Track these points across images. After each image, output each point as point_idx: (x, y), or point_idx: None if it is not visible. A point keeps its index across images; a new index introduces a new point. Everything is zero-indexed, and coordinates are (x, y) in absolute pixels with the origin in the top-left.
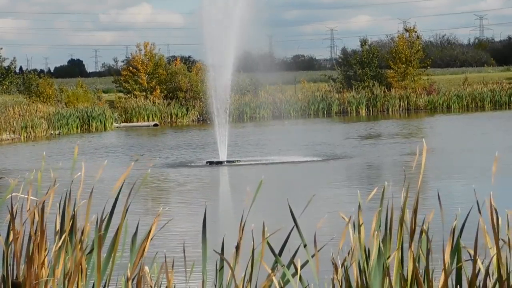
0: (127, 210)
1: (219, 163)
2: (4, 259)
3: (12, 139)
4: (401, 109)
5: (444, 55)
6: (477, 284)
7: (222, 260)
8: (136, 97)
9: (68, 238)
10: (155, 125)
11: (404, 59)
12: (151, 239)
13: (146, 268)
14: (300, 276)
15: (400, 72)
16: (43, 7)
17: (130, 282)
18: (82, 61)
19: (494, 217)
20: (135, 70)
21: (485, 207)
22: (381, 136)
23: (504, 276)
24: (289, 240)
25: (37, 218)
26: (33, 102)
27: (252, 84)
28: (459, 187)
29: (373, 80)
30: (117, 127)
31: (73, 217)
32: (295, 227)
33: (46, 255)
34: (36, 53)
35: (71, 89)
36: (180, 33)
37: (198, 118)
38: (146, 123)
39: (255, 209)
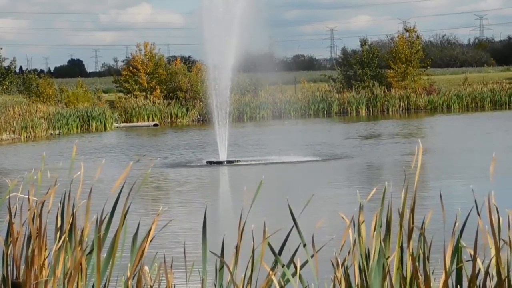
0: (127, 210)
1: (219, 163)
2: (4, 259)
3: (12, 139)
4: (401, 109)
5: (444, 55)
6: (477, 284)
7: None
8: (136, 97)
9: (68, 238)
10: (155, 125)
11: (404, 59)
12: (151, 239)
13: (146, 268)
14: (300, 276)
15: (400, 72)
16: (43, 7)
17: (130, 282)
18: (82, 61)
19: (495, 217)
20: (135, 70)
21: (485, 207)
22: (381, 136)
23: (504, 276)
24: (290, 240)
25: (36, 218)
26: (33, 102)
27: (252, 84)
28: (459, 187)
29: (373, 80)
30: (117, 127)
31: (73, 217)
32: (294, 227)
33: (47, 255)
34: (36, 53)
35: (71, 89)
36: (180, 33)
37: (198, 118)
38: (146, 123)
39: (255, 209)
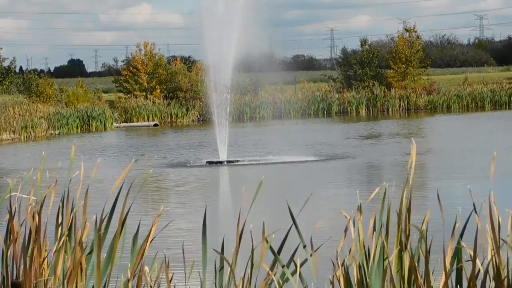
0: (128, 210)
1: (219, 163)
2: (4, 259)
3: (12, 139)
4: (401, 109)
5: (444, 55)
6: (477, 284)
7: (221, 260)
8: (136, 97)
9: (67, 238)
10: (155, 125)
11: (404, 59)
12: (152, 240)
13: (146, 268)
14: (301, 275)
15: (400, 72)
16: (43, 7)
17: (130, 282)
18: (82, 61)
19: (494, 217)
20: (135, 70)
21: (483, 208)
22: (381, 136)
23: (504, 276)
24: (290, 240)
25: (36, 218)
26: (33, 102)
27: (252, 84)
28: (459, 187)
29: (373, 80)
30: (117, 127)
31: (72, 217)
32: (293, 227)
33: (47, 255)
34: (36, 53)
35: (71, 89)
36: (180, 33)
37: (198, 118)
38: (146, 123)
39: (255, 209)
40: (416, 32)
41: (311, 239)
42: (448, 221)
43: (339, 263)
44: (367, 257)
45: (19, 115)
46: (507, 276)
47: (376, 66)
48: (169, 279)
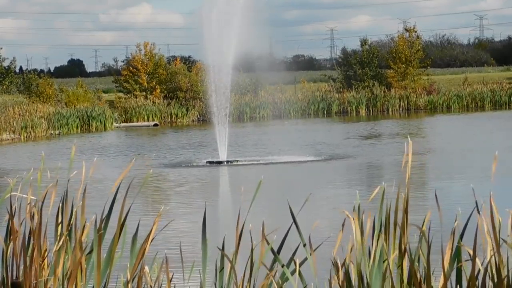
0: (128, 210)
1: (219, 163)
2: (4, 259)
3: (12, 139)
4: (401, 109)
5: (444, 55)
6: (477, 284)
7: (222, 260)
8: (136, 97)
9: (68, 238)
10: (155, 125)
11: (404, 59)
12: (152, 240)
13: (146, 268)
14: (301, 275)
15: (400, 72)
16: (43, 7)
17: (129, 283)
18: (82, 61)
19: (494, 217)
20: (135, 70)
21: (485, 207)
22: (381, 136)
23: (504, 275)
24: (289, 240)
25: (36, 217)
26: (33, 102)
27: (252, 84)
28: (459, 187)
29: (373, 80)
30: (117, 127)
31: (72, 217)
32: (293, 226)
33: (46, 255)
34: (36, 53)
35: (71, 89)
36: (180, 33)
37: (198, 118)
38: (146, 123)
39: (255, 209)
40: (416, 32)
41: (309, 238)
42: (449, 221)
43: (339, 263)
44: (366, 257)
45: (19, 115)
46: (507, 275)
47: (376, 66)
48: (169, 279)
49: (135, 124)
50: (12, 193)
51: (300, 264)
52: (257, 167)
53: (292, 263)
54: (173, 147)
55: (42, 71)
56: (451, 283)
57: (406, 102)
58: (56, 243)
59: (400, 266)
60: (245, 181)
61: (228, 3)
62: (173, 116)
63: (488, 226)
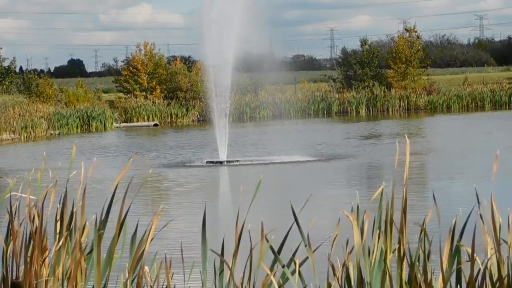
0: (127, 210)
1: (219, 163)
2: (4, 259)
3: (12, 139)
4: (401, 109)
5: (444, 55)
6: (476, 284)
7: (221, 261)
8: (136, 97)
9: (68, 238)
10: (155, 125)
11: (404, 59)
12: (151, 239)
13: (146, 268)
14: (301, 276)
15: (400, 72)
16: (43, 7)
17: (129, 283)
18: (82, 61)
19: (495, 217)
20: (135, 70)
21: (484, 207)
22: (381, 136)
23: (504, 274)
24: (289, 240)
25: (36, 217)
26: (33, 102)
27: (252, 84)
28: (459, 187)
29: (373, 80)
30: (117, 127)
31: (71, 217)
32: (293, 226)
33: (47, 255)
34: (36, 53)
35: (71, 89)
36: (180, 33)
37: (198, 118)
38: (146, 123)
39: (255, 209)
40: (416, 32)
41: (308, 237)
42: (449, 221)
43: (339, 263)
44: (366, 257)
45: (19, 115)
46: (508, 274)
47: (376, 66)
48: (169, 279)
49: (135, 124)
50: (12, 193)
51: (300, 265)
52: (257, 167)
53: (292, 263)
54: (173, 147)
55: (42, 71)
56: (450, 284)
57: (406, 102)
58: (56, 243)
59: (400, 266)
60: (245, 181)
61: (228, 3)
62: (173, 116)
63: (488, 225)
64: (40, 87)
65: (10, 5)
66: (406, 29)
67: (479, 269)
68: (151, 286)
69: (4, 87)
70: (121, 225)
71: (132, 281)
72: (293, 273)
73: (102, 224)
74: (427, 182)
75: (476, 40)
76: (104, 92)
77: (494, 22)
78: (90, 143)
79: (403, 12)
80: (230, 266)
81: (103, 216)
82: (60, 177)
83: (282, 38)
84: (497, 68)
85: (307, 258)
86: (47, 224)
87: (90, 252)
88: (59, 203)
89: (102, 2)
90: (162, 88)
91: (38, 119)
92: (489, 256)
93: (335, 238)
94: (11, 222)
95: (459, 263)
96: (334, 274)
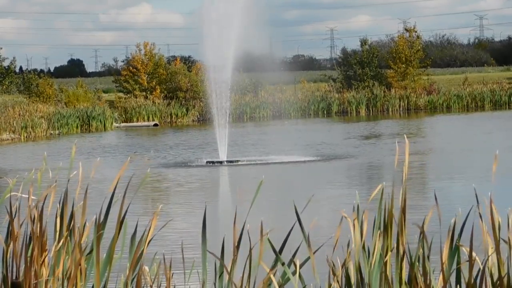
0: (126, 210)
1: (219, 163)
2: (4, 259)
3: (12, 139)
4: (401, 109)
5: (444, 55)
6: (476, 284)
7: (221, 261)
8: (136, 97)
9: (68, 238)
10: (155, 125)
11: (404, 59)
12: (150, 239)
13: (146, 268)
14: (300, 276)
15: (400, 72)
16: (43, 7)
17: (129, 282)
18: (82, 61)
19: (494, 217)
20: (135, 70)
21: (484, 207)
22: (381, 136)
23: (503, 273)
24: (289, 241)
25: (36, 218)
26: (33, 102)
27: (252, 84)
28: (459, 187)
29: (373, 80)
30: (117, 127)
31: (72, 217)
32: (294, 227)
33: (46, 255)
34: (36, 53)
35: (71, 89)
36: (180, 33)
37: (198, 118)
38: (146, 123)
39: (255, 209)
40: (416, 32)
41: (308, 239)
42: (448, 221)
43: (339, 264)
44: (366, 258)
45: (19, 115)
46: (507, 273)
47: (376, 66)
48: (169, 279)
49: (135, 124)
50: (12, 193)
51: (301, 266)
52: (257, 167)
53: (292, 263)
54: (173, 147)
55: (42, 71)
56: (450, 284)
57: (406, 102)
58: (56, 243)
59: (399, 266)
60: (245, 181)
61: (228, 3)
62: (173, 116)
63: (488, 225)
64: (40, 87)
65: (10, 5)
66: (406, 29)
67: (479, 269)
68: (150, 286)
69: (4, 87)
70: (120, 225)
71: (132, 281)
72: (293, 273)
73: (101, 224)
74: (427, 182)
75: (476, 40)
76: (104, 92)
77: (494, 22)
78: (90, 143)
79: (403, 12)
80: (230, 266)
81: (103, 216)
82: (60, 177)
83: (282, 38)
84: (497, 68)
85: (307, 259)
86: (47, 224)
87: (90, 252)
88: (59, 203)
89: (102, 2)
90: (162, 88)
91: (38, 119)
92: (488, 256)
93: (337, 240)
94: (11, 222)
95: (458, 263)
96: (334, 275)
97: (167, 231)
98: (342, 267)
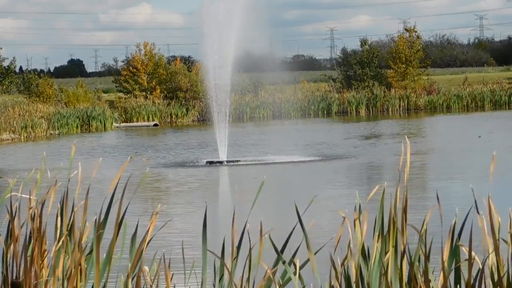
0: (125, 210)
1: (219, 163)
2: (4, 259)
3: (12, 139)
4: (401, 109)
5: (444, 55)
6: (475, 284)
7: (221, 262)
8: (136, 97)
9: (68, 238)
10: (155, 125)
11: (404, 59)
12: (150, 239)
13: (146, 268)
14: (301, 276)
15: (400, 72)
16: (43, 7)
17: (129, 282)
18: (82, 61)
19: (494, 217)
20: (135, 70)
21: (484, 207)
22: (381, 136)
23: (502, 273)
24: (290, 241)
25: (36, 218)
26: (33, 102)
27: (252, 84)
28: (459, 187)
29: (373, 80)
30: (117, 127)
31: (72, 217)
32: (295, 227)
33: (46, 255)
34: (36, 53)
35: (71, 89)
36: (180, 33)
37: (198, 118)
38: (146, 123)
39: (255, 209)
40: (416, 32)
41: (307, 239)
42: (448, 221)
43: (339, 264)
44: (366, 258)
45: (19, 115)
46: (507, 272)
47: (376, 66)
48: (168, 279)
49: (135, 124)
50: (13, 193)
51: (301, 267)
52: (257, 167)
53: (292, 264)
54: (173, 147)
55: (42, 71)
56: (449, 284)
57: (406, 102)
58: (56, 243)
59: (399, 266)
60: (245, 181)
61: (228, 3)
62: (173, 116)
63: (487, 225)
64: (40, 87)
65: (10, 5)
66: (406, 29)
67: (478, 268)
68: (150, 286)
69: (4, 87)
70: (119, 225)
71: (132, 280)
72: (293, 273)
73: (101, 224)
74: (427, 182)
75: (476, 40)
76: (104, 92)
77: (494, 22)
78: (90, 143)
79: (403, 12)
80: (230, 266)
81: (103, 216)
82: (60, 177)
83: (282, 38)
84: (497, 68)
85: (308, 260)
86: (47, 224)
87: (90, 252)
88: (59, 203)
89: (102, 2)
90: (162, 88)
91: (38, 119)
92: (487, 255)
93: (338, 240)
94: (11, 222)
95: (457, 262)
96: (336, 276)
97: (167, 231)
98: (342, 267)
